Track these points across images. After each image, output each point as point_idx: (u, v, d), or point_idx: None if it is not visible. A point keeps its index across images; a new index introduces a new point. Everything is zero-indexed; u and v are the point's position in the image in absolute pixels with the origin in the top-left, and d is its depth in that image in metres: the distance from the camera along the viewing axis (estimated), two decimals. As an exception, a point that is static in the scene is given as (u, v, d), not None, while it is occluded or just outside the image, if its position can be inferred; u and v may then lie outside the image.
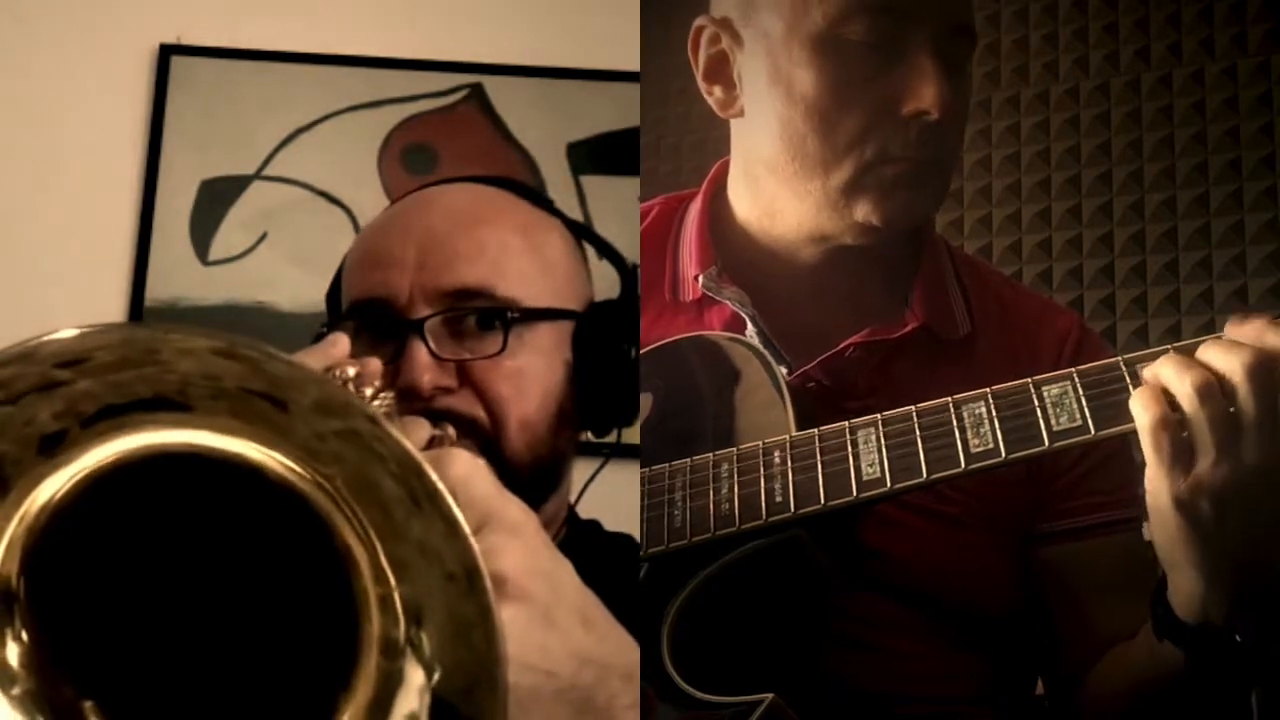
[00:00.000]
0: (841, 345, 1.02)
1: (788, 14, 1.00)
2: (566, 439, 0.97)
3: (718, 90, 1.08)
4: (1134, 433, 0.81)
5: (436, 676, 0.57)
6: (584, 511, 1.05)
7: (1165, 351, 0.82)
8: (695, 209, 1.13)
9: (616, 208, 1.95)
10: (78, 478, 0.57)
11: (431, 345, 0.91)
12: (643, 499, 0.96)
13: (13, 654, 0.59)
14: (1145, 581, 0.88)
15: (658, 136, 2.67)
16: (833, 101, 0.99)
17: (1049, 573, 1.04)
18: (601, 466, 1.00)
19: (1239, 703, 0.90)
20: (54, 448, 0.56)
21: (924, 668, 0.99)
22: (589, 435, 1.01)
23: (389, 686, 0.58)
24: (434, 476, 0.56)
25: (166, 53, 1.99)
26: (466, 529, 0.56)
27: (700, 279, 1.07)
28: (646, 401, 1.02)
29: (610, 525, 1.07)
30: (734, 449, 0.94)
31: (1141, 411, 0.79)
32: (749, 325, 1.05)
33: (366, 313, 0.95)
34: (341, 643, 0.59)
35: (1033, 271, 2.41)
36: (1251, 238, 2.26)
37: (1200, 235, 2.30)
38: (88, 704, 0.61)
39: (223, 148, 1.99)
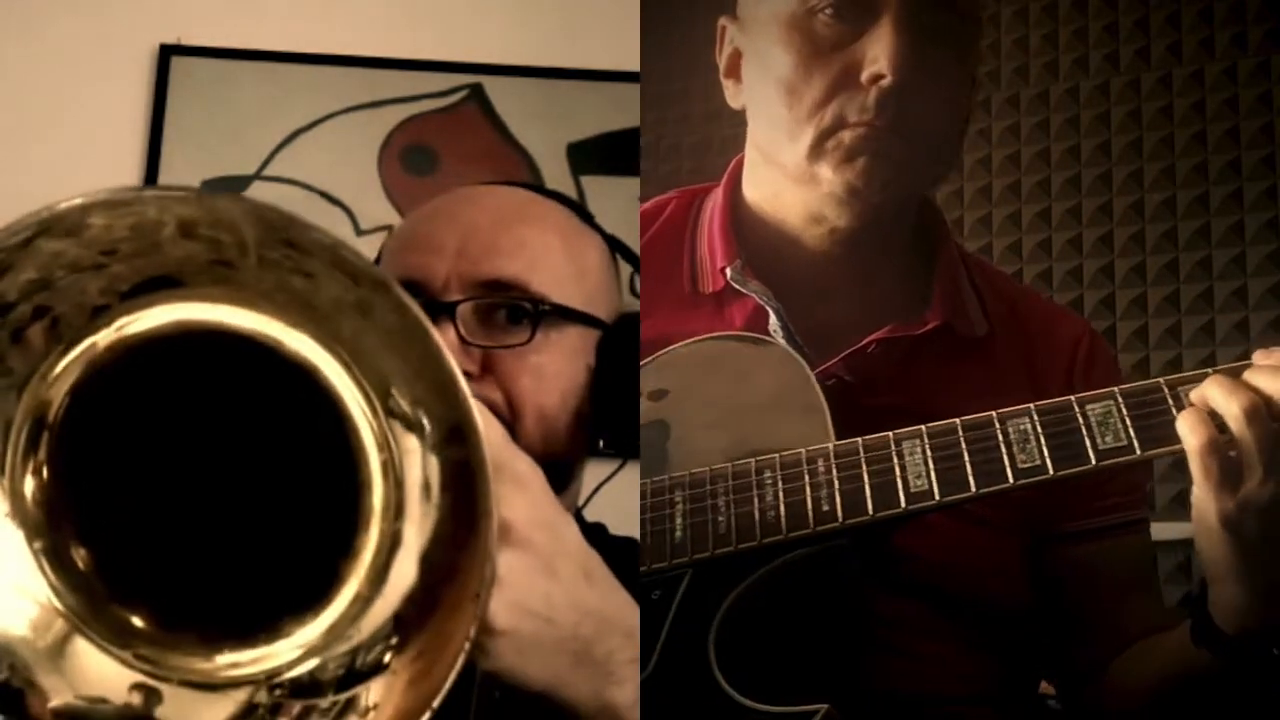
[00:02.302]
0: (864, 342, 1.03)
1: None
2: (582, 441, 0.97)
3: (730, 84, 1.12)
4: (1181, 454, 0.83)
5: (428, 431, 0.62)
6: (588, 514, 1.05)
7: (1206, 374, 0.84)
8: (716, 202, 1.14)
9: (616, 208, 1.93)
10: (117, 343, 0.66)
11: (461, 330, 0.92)
12: (647, 504, 0.96)
13: (29, 486, 0.66)
14: (1155, 578, 0.90)
15: (658, 136, 2.67)
16: (799, 74, 1.01)
17: (1073, 571, 1.05)
18: (618, 470, 1.00)
19: (1274, 709, 0.91)
20: (99, 317, 0.65)
21: (941, 670, 0.99)
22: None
23: (392, 543, 0.63)
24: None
25: (166, 53, 1.98)
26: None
27: (727, 271, 1.07)
28: (660, 404, 1.02)
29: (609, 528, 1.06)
30: (776, 455, 0.93)
31: (1189, 434, 0.82)
32: (772, 318, 1.05)
33: None
34: (344, 510, 0.63)
35: (1033, 271, 2.41)
36: (1251, 238, 2.26)
37: (1200, 235, 2.30)
38: (81, 551, 0.66)
39: (223, 148, 1.98)
